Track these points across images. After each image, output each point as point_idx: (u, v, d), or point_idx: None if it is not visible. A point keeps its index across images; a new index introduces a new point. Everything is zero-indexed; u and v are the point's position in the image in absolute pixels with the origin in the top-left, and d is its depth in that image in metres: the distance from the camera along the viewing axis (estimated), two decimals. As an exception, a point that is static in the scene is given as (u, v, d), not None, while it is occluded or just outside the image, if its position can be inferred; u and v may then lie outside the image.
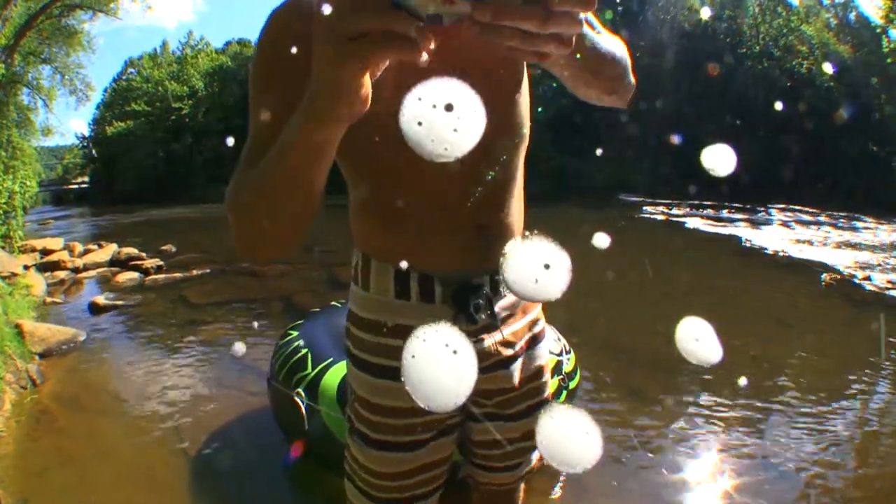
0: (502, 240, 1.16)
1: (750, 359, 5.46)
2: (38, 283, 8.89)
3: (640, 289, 7.93)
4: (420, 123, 0.71)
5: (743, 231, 14.66)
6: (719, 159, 0.95)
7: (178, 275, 9.70)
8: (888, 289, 8.33)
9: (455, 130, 0.71)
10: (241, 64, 43.08)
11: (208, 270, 9.78)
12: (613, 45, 0.99)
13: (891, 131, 26.69)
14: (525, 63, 1.10)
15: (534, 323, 1.32)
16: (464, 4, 0.58)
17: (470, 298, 1.14)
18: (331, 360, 3.41)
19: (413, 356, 0.76)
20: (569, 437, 0.84)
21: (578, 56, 0.87)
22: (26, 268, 9.55)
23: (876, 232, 16.02)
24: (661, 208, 19.84)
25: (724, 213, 18.50)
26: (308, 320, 4.03)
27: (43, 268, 10.48)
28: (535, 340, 1.31)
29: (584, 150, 25.50)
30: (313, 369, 3.37)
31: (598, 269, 8.55)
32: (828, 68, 28.39)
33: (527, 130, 1.17)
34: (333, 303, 4.46)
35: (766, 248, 12.04)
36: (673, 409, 4.45)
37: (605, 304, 7.21)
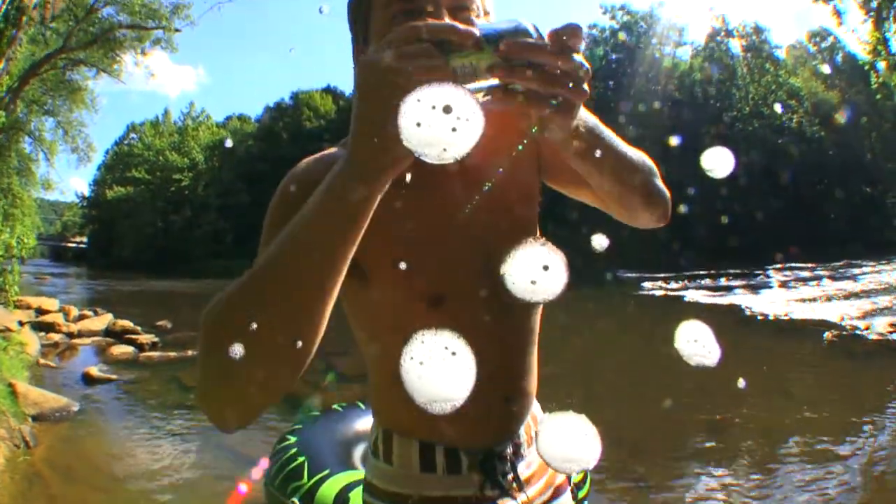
0: (524, 406, 1.17)
1: (753, 435, 5.44)
2: (31, 342, 8.88)
3: (641, 371, 7.86)
4: (419, 124, 0.74)
5: (742, 298, 14.67)
6: (718, 161, 0.99)
7: (173, 354, 9.58)
8: (891, 332, 8.34)
9: (454, 130, 0.73)
10: (240, 140, 43.93)
11: (204, 352, 9.67)
12: (633, 150, 1.03)
13: (883, 169, 26.92)
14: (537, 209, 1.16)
15: (555, 475, 1.28)
16: (491, 55, 0.68)
17: (497, 466, 1.14)
18: (327, 471, 3.31)
19: (412, 357, 0.76)
20: (569, 438, 0.84)
21: (599, 153, 0.89)
22: (21, 324, 9.54)
23: (876, 275, 16.05)
24: (659, 283, 19.75)
25: (723, 282, 18.50)
26: (307, 425, 3.90)
27: (37, 327, 10.46)
28: (557, 493, 1.28)
29: (578, 225, 24.78)
30: (309, 479, 3.27)
31: (601, 353, 8.48)
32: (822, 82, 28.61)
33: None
34: (334, 406, 4.26)
35: (766, 314, 12.02)
36: (678, 497, 4.37)
37: (608, 389, 7.15)
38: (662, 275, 21.03)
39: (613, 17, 37.33)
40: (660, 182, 1.10)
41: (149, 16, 17.73)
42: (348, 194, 0.69)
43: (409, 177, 0.76)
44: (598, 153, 0.88)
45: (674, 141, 27.41)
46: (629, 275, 22.55)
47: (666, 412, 5.91)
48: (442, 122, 0.74)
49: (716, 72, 33.18)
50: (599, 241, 1.01)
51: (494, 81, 0.70)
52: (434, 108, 0.74)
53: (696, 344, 0.86)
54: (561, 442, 0.86)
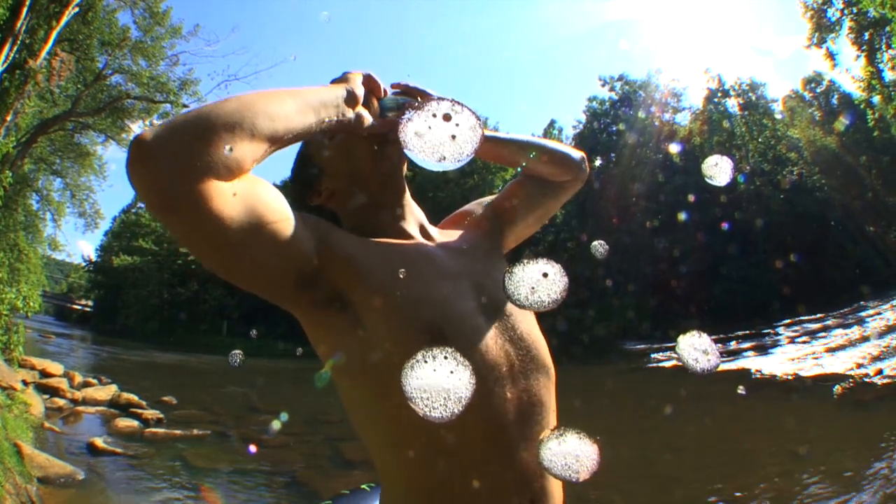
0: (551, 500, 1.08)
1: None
2: (36, 404, 8.87)
3: (654, 447, 7.75)
4: (418, 134, 0.81)
5: (752, 361, 14.54)
6: (718, 169, 1.10)
7: (178, 432, 9.50)
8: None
9: (453, 137, 0.80)
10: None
11: (209, 432, 9.59)
12: (540, 139, 1.45)
13: (885, 204, 26.72)
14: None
15: None
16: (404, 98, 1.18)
17: None
18: None
19: (412, 368, 0.81)
20: (571, 452, 0.89)
21: (533, 154, 1.35)
22: (25, 384, 9.51)
23: (884, 315, 15.83)
24: (668, 353, 19.45)
25: (732, 345, 18.24)
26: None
27: (41, 389, 10.42)
28: None
29: (586, 302, 23.70)
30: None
31: (613, 430, 8.39)
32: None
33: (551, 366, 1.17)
34: (363, 486, 4.18)
35: (775, 376, 11.92)
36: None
37: (622, 466, 7.05)
38: (671, 344, 20.66)
39: (612, 89, 38.03)
40: (569, 150, 1.44)
41: (157, 89, 18.20)
42: (314, 97, 0.99)
43: (402, 272, 1.02)
44: (540, 161, 1.34)
45: (682, 216, 27.63)
46: (638, 346, 22.27)
47: (681, 490, 5.85)
48: (441, 130, 0.80)
49: (714, 135, 33.43)
50: (598, 249, 1.07)
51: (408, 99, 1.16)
52: (434, 116, 0.80)
53: (697, 351, 0.92)
54: (562, 452, 0.90)
